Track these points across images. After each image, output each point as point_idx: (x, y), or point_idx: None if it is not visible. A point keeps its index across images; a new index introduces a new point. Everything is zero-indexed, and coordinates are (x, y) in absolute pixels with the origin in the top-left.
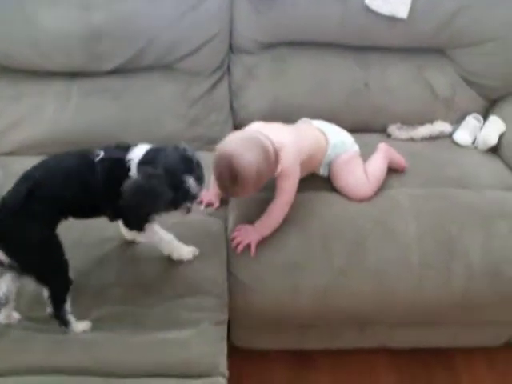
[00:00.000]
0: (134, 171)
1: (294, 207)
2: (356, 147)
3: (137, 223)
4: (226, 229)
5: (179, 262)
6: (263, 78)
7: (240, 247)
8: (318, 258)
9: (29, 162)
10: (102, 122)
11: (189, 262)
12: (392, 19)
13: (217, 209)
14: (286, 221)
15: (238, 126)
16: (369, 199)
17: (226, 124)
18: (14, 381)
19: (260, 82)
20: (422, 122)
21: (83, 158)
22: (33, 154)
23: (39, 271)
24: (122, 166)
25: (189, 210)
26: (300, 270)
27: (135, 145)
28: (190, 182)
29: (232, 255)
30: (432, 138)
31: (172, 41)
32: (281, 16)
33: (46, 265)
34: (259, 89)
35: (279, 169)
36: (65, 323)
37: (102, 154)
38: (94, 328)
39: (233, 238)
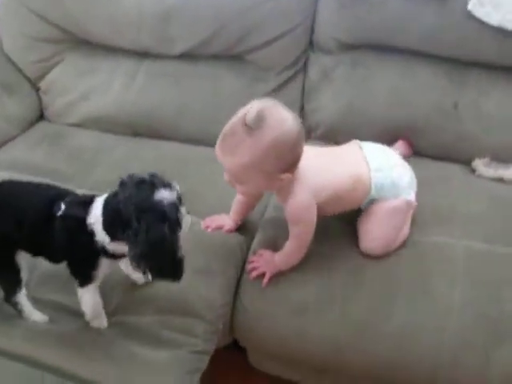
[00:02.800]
0: (100, 237)
1: (320, 242)
2: (412, 195)
3: (82, 275)
4: (247, 248)
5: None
6: (340, 82)
7: (254, 274)
8: (334, 306)
9: (86, 139)
10: (162, 106)
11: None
12: (500, 31)
13: (228, 232)
14: (309, 256)
15: (307, 131)
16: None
17: None
18: None
19: (336, 85)
20: None
21: (44, 209)
22: (95, 129)
23: None
24: (83, 230)
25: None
26: (312, 314)
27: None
28: (163, 195)
29: (245, 279)
30: None
31: (245, 28)
32: (367, 14)
33: None
34: (334, 93)
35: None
36: (17, 310)
37: (63, 207)
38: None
39: (251, 262)
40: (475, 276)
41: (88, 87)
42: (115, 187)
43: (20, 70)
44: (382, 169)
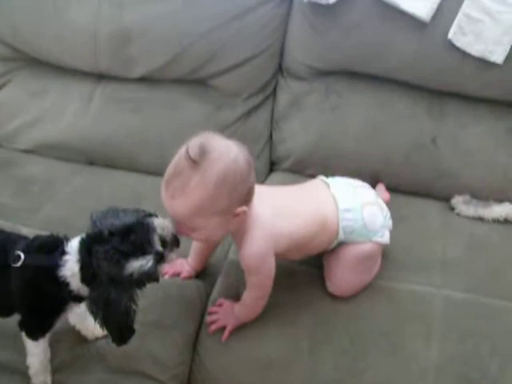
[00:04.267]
0: (76, 286)
1: (283, 289)
2: (386, 235)
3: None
4: (207, 296)
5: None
6: (311, 111)
7: (213, 327)
8: (300, 363)
9: (37, 168)
10: (119, 134)
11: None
12: (482, 62)
13: (186, 278)
14: (272, 307)
15: (275, 162)
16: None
17: (259, 158)
18: None
19: (307, 114)
20: (498, 200)
21: None
22: (48, 156)
23: None
24: (52, 280)
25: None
26: (277, 372)
27: (64, 243)
28: (133, 266)
29: (204, 333)
30: (508, 222)
31: (209, 52)
32: (341, 39)
33: None
34: (304, 122)
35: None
36: None
37: (22, 257)
38: None
39: (210, 313)
40: (454, 330)
41: (40, 110)
42: (65, 225)
43: None
44: (351, 209)
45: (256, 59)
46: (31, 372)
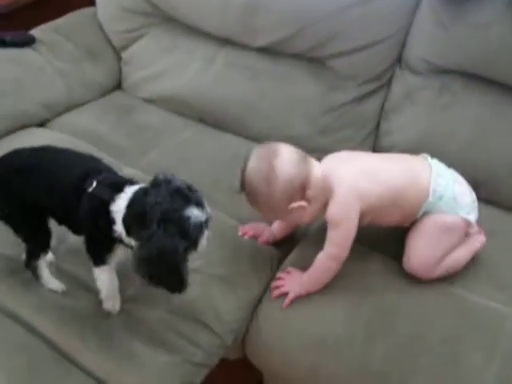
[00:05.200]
0: (118, 227)
1: (353, 271)
2: (472, 216)
3: (96, 255)
4: (279, 265)
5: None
6: (423, 107)
7: (276, 292)
8: (353, 348)
9: (153, 117)
10: (233, 98)
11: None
12: None
13: (264, 243)
14: (335, 286)
15: (377, 152)
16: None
17: (362, 145)
18: None
19: (418, 109)
20: None
21: (76, 181)
22: (165, 108)
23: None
24: (106, 213)
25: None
26: (328, 351)
27: (125, 183)
28: (194, 213)
29: (268, 297)
30: None
31: (331, 32)
32: (466, 38)
33: (22, 230)
34: (414, 118)
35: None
36: (35, 275)
37: (94, 185)
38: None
39: (277, 279)
40: None
41: (166, 65)
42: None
43: (107, 39)
44: (444, 176)
45: (376, 46)
46: (101, 296)
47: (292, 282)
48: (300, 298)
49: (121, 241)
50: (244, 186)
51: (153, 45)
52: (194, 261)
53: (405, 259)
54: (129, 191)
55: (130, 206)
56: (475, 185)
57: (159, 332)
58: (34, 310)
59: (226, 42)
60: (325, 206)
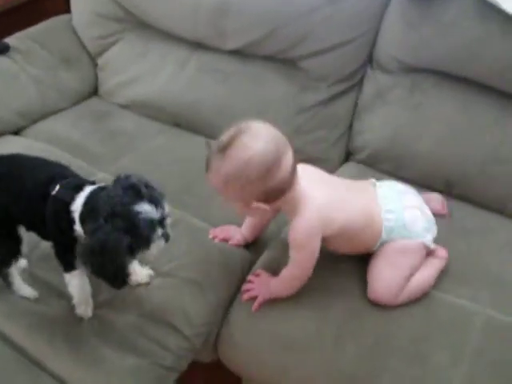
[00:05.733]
0: (78, 226)
1: (324, 276)
2: (428, 238)
3: (63, 260)
4: (250, 267)
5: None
6: (394, 106)
7: (246, 296)
8: (322, 350)
9: (128, 122)
10: (206, 101)
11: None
12: None
13: (234, 245)
14: (308, 289)
15: (351, 152)
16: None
17: (335, 145)
18: None
19: (390, 109)
20: None
21: (42, 186)
22: (140, 113)
23: None
24: (67, 214)
25: (166, 237)
26: (298, 353)
27: (86, 184)
28: (144, 208)
29: (238, 299)
30: None
31: (302, 33)
32: (435, 36)
33: None
34: (386, 117)
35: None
36: (6, 282)
37: (57, 188)
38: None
39: (248, 281)
40: (488, 356)
41: (139, 70)
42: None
43: (82, 45)
44: (394, 210)
45: (347, 46)
46: (73, 301)
47: (261, 285)
48: (269, 301)
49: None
50: (221, 150)
51: (127, 50)
52: (149, 260)
53: (368, 288)
54: (87, 190)
55: (86, 203)
56: (447, 182)
57: (130, 337)
58: (4, 317)
59: (198, 45)
60: (287, 213)
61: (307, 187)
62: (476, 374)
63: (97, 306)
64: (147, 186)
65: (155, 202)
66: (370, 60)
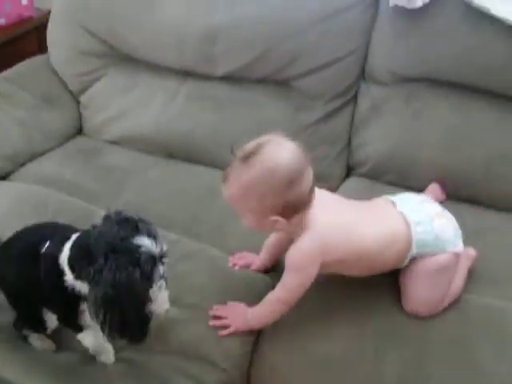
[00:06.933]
0: (68, 275)
1: (354, 293)
2: (459, 245)
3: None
4: None
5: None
6: (391, 117)
7: (218, 323)
8: (363, 365)
9: (119, 158)
10: (200, 130)
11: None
12: None
13: (255, 271)
14: (338, 308)
15: (352, 167)
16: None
17: (336, 161)
18: None
19: (387, 120)
20: None
21: (30, 249)
22: (131, 148)
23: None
24: (57, 267)
25: (165, 279)
26: (338, 371)
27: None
28: (145, 242)
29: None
30: None
31: (293, 53)
32: (424, 45)
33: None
34: (384, 128)
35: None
36: (23, 336)
37: (47, 245)
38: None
39: (215, 309)
40: None
41: (127, 104)
42: (141, 211)
43: (63, 83)
44: (421, 222)
45: (339, 63)
46: (90, 352)
47: (236, 315)
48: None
49: (80, 296)
50: (244, 159)
51: (111, 85)
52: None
53: (406, 306)
54: (74, 236)
55: (73, 246)
56: (455, 187)
57: (165, 376)
58: (22, 369)
59: (187, 74)
60: (291, 234)
61: (316, 211)
62: None
63: (121, 349)
64: (142, 220)
65: (153, 236)
66: (363, 74)
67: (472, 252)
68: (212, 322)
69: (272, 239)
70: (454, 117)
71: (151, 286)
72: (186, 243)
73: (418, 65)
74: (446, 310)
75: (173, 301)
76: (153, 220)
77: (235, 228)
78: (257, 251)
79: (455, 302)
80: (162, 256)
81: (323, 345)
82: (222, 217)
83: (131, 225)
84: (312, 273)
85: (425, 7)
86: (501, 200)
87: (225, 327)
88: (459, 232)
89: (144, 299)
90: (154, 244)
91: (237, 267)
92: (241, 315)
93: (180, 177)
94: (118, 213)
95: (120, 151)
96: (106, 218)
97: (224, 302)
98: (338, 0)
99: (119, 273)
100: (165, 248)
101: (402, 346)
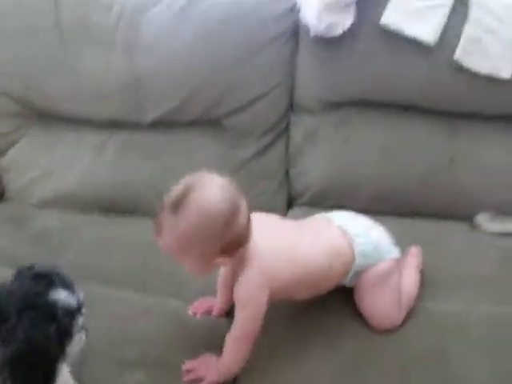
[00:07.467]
0: None
1: (324, 317)
2: (395, 252)
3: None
4: None
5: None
6: (325, 144)
7: (191, 376)
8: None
9: (51, 221)
10: (135, 181)
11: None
12: (491, 80)
13: (218, 316)
14: (312, 334)
15: (294, 198)
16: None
17: (277, 195)
18: None
19: (321, 147)
20: None
21: None
22: (60, 208)
23: None
24: None
25: (86, 330)
26: None
27: None
28: (61, 296)
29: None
30: None
31: (220, 92)
32: (350, 70)
33: None
34: (320, 156)
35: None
36: None
37: None
38: None
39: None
40: (501, 346)
41: (51, 164)
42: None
43: None
44: (360, 234)
45: (267, 97)
46: None
47: (207, 367)
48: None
49: None
50: (173, 208)
51: (33, 145)
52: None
53: (368, 319)
54: None
55: None
56: (395, 202)
57: None
58: None
59: (113, 125)
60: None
61: (255, 239)
62: (498, 364)
63: None
64: (56, 272)
65: (69, 287)
66: (291, 106)
67: (414, 250)
68: (186, 378)
69: (222, 279)
70: (384, 135)
71: (70, 342)
72: (143, 297)
73: (343, 90)
74: (412, 321)
75: (139, 363)
76: (106, 278)
77: (190, 276)
78: (214, 291)
79: (417, 313)
80: (79, 307)
81: (300, 372)
82: (171, 263)
83: (45, 278)
84: (262, 301)
85: (344, 34)
86: (439, 210)
87: (199, 380)
88: (393, 240)
89: (57, 359)
90: (70, 296)
91: (198, 315)
92: (213, 366)
93: (119, 230)
94: (31, 267)
95: (50, 214)
96: (18, 274)
97: (191, 355)
98: (259, 35)
99: (33, 330)
100: (81, 298)
101: (382, 364)
